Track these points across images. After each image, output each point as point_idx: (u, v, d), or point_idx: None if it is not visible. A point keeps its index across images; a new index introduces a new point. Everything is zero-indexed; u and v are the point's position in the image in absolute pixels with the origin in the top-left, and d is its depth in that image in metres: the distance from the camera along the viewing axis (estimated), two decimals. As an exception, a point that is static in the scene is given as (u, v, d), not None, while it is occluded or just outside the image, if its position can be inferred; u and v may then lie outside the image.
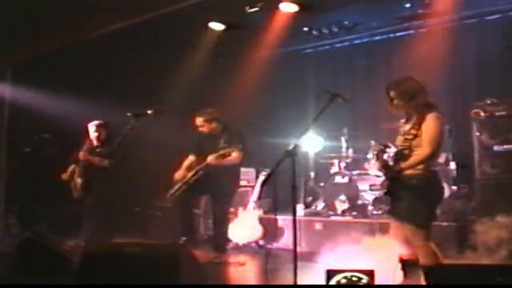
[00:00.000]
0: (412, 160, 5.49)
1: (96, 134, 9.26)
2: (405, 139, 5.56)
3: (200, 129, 8.87)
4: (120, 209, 9.80)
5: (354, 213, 9.36)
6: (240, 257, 8.63)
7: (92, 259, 5.99)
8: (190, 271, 5.77)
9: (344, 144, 10.31)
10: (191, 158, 9.02)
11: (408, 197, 5.53)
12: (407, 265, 5.68)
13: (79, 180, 9.05)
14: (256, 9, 10.40)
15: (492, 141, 7.96)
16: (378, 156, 5.71)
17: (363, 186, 9.80)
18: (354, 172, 9.97)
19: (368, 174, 9.95)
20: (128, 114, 7.96)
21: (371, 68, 11.44)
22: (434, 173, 5.72)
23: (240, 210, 9.74)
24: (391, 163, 5.56)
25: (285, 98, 12.46)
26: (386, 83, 5.89)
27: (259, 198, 9.71)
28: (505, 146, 8.04)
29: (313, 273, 6.01)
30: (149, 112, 7.92)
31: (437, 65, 10.23)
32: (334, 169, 10.24)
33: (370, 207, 9.36)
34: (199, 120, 8.83)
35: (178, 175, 8.78)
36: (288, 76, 12.56)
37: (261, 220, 9.44)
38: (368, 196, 9.66)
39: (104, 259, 5.92)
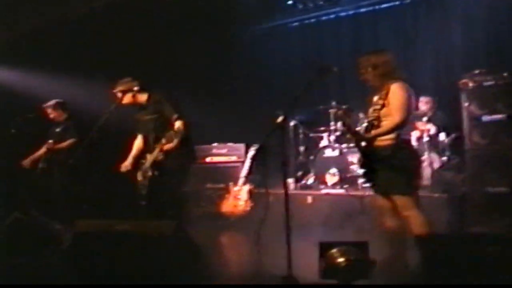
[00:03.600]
0: (383, 128, 5.52)
1: (54, 113, 9.34)
2: (374, 109, 5.61)
3: (120, 103, 7.56)
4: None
5: (345, 186, 9.37)
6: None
7: (83, 238, 5.99)
8: (181, 248, 5.77)
9: (333, 117, 10.27)
10: (138, 137, 7.91)
11: (385, 168, 5.54)
12: (394, 235, 5.76)
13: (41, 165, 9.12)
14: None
15: (480, 111, 7.95)
16: (342, 120, 5.72)
17: (353, 159, 9.80)
18: (344, 145, 9.96)
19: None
20: (115, 90, 7.79)
21: (358, 41, 11.37)
22: (407, 142, 5.86)
23: (231, 185, 9.72)
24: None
25: (272, 72, 12.37)
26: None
27: (249, 173, 9.71)
28: (493, 116, 8.04)
29: (306, 246, 5.99)
30: (135, 88, 7.70)
31: (424, 37, 10.26)
32: (324, 143, 10.24)
33: (360, 180, 9.37)
34: (118, 95, 7.58)
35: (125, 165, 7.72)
36: (275, 50, 12.46)
37: (251, 195, 9.45)
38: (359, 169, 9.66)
39: (95, 237, 5.93)
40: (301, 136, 10.77)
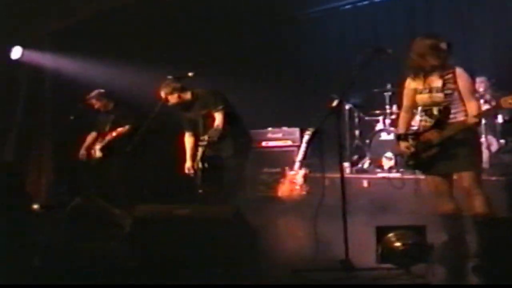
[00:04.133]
0: (476, 113, 5.49)
1: (99, 103, 9.44)
2: (445, 95, 5.56)
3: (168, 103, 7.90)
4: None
5: (401, 169, 9.29)
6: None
7: (143, 223, 6.09)
8: (240, 232, 5.81)
9: (388, 100, 10.19)
10: (187, 135, 8.18)
11: (465, 147, 5.54)
12: (451, 218, 5.71)
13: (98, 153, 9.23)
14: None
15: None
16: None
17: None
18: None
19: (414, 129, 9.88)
20: (169, 77, 7.87)
21: (412, 23, 11.23)
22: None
23: (287, 169, 9.74)
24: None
25: (326, 55, 12.32)
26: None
27: (305, 157, 9.71)
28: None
29: (363, 230, 5.98)
30: (190, 74, 7.76)
31: (480, 17, 10.10)
32: (379, 126, 10.18)
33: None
34: (167, 98, 7.83)
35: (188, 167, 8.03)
36: (328, 33, 12.41)
37: (307, 179, 9.45)
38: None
39: (155, 222, 6.03)
40: (356, 119, 10.72)
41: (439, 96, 5.64)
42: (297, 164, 9.70)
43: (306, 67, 12.29)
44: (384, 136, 9.82)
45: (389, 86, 10.13)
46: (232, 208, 6.01)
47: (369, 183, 9.25)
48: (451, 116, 5.56)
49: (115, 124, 9.25)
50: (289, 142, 10.50)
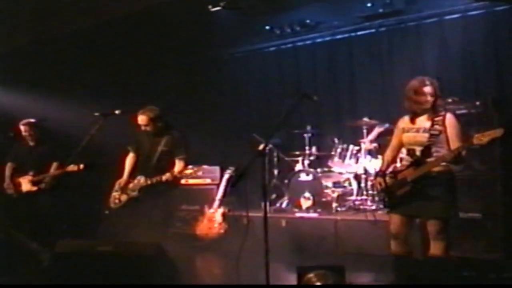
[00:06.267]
0: (456, 154, 5.58)
1: (30, 132, 9.11)
2: (431, 135, 5.75)
3: (143, 128, 8.16)
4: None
5: (319, 209, 9.46)
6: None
7: (64, 258, 6.02)
8: (162, 268, 5.82)
9: (307, 141, 10.40)
10: (131, 155, 8.49)
11: (439, 191, 5.70)
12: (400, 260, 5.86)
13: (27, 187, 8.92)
14: (218, 8, 10.53)
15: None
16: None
17: (327, 183, 9.92)
18: (318, 170, 10.07)
19: (332, 171, 10.10)
20: (96, 114, 7.96)
21: (333, 66, 11.51)
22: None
23: (206, 208, 9.77)
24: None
25: (247, 95, 12.51)
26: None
27: (224, 196, 9.76)
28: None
29: (283, 269, 6.07)
30: (117, 112, 7.90)
31: (398, 64, 10.41)
32: (298, 167, 10.35)
33: (334, 204, 9.47)
34: (142, 119, 8.10)
35: (121, 182, 8.28)
36: (250, 74, 12.60)
37: (226, 217, 9.50)
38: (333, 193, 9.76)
39: (76, 257, 5.96)
40: (275, 159, 10.85)
41: (424, 136, 5.82)
42: (216, 203, 9.73)
43: (227, 105, 12.46)
44: (303, 176, 9.94)
45: (309, 127, 10.34)
46: (154, 245, 6.01)
47: (287, 223, 9.35)
48: (434, 156, 5.73)
49: (42, 159, 8.98)
50: (208, 180, 10.54)
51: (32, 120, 9.22)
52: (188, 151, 8.23)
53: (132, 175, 8.24)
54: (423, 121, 5.91)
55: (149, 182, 7.85)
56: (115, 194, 8.19)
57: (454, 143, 5.67)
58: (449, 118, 5.80)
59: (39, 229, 8.42)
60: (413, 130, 5.97)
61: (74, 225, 8.85)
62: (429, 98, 5.86)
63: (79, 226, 8.96)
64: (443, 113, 5.84)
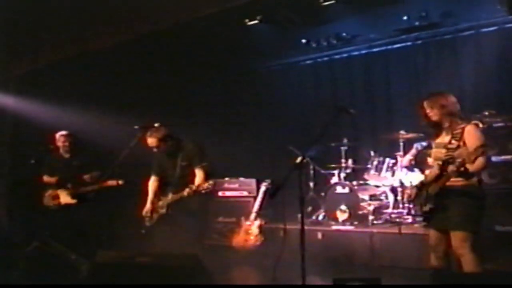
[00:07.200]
0: (475, 166, 5.56)
1: (66, 144, 9.23)
2: (448, 149, 5.75)
3: (155, 149, 8.15)
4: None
5: (355, 222, 9.47)
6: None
7: (102, 269, 6.12)
8: (199, 280, 5.88)
9: (344, 154, 10.44)
10: (153, 179, 8.46)
11: (460, 204, 5.68)
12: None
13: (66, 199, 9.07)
14: (255, 21, 10.63)
15: (490, 151, 8.07)
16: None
17: (363, 196, 9.91)
18: (355, 182, 10.09)
19: (368, 184, 10.10)
20: (136, 127, 8.07)
21: (369, 80, 11.58)
22: (480, 181, 5.85)
23: (242, 220, 9.82)
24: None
25: (283, 108, 12.57)
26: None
27: (261, 208, 9.81)
28: (502, 157, 8.18)
29: (319, 281, 6.10)
30: (156, 125, 8.00)
31: (434, 77, 10.39)
32: (334, 179, 10.38)
33: (370, 217, 9.47)
34: (152, 141, 8.07)
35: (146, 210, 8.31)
36: (287, 88, 12.68)
37: (262, 230, 9.55)
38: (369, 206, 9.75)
39: (114, 268, 6.06)
40: (311, 172, 10.89)
41: (441, 151, 5.85)
42: (253, 215, 9.77)
43: (264, 119, 12.57)
44: (339, 189, 9.94)
45: (345, 140, 10.36)
46: (192, 256, 6.09)
47: (323, 235, 9.36)
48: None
49: (80, 171, 9.12)
50: (245, 193, 10.59)
51: (68, 132, 9.36)
52: (206, 158, 8.22)
53: (156, 197, 8.30)
54: (444, 137, 5.93)
55: (174, 198, 7.94)
56: (146, 214, 8.30)
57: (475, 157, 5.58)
58: (468, 130, 5.73)
59: (77, 240, 8.57)
60: (436, 145, 6.02)
61: (112, 236, 8.98)
62: (429, 112, 5.92)
63: (118, 237, 9.09)
64: (462, 126, 5.78)
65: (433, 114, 5.93)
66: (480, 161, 5.49)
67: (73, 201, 8.99)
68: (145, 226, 8.23)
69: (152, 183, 8.43)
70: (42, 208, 9.24)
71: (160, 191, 8.32)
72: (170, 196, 8.03)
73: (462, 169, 5.53)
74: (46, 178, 9.34)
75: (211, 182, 7.82)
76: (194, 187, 7.79)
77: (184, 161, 8.12)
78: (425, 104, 5.97)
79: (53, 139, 9.33)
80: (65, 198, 9.04)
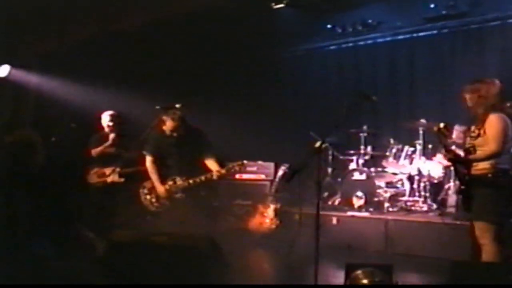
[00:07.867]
0: (478, 154, 5.65)
1: (111, 123, 9.07)
2: (470, 137, 5.78)
3: (169, 132, 8.00)
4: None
5: (370, 209, 9.45)
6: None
7: (117, 247, 6.15)
8: (214, 261, 5.90)
9: (363, 141, 10.41)
10: (151, 159, 8.21)
11: (479, 195, 5.67)
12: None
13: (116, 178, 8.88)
14: (281, 5, 10.57)
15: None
16: (441, 135, 5.87)
17: (380, 183, 9.87)
18: (372, 169, 10.06)
19: (385, 171, 10.07)
20: (157, 107, 7.99)
21: (394, 67, 11.50)
22: (505, 171, 5.78)
23: (259, 203, 9.81)
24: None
25: (306, 93, 12.54)
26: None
27: (277, 192, 9.79)
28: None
29: (332, 266, 6.09)
30: (177, 106, 7.87)
31: (459, 66, 10.31)
32: (353, 166, 10.36)
33: (386, 204, 9.44)
34: (173, 125, 7.92)
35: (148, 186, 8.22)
36: (310, 73, 12.65)
37: (278, 213, 9.55)
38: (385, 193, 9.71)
39: (129, 247, 6.09)
40: (330, 157, 10.88)
41: (467, 140, 5.88)
42: (269, 198, 9.76)
43: (286, 103, 12.53)
44: (356, 175, 9.94)
45: (365, 127, 10.32)
46: (207, 238, 6.09)
47: (338, 221, 9.35)
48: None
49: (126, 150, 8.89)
50: (262, 176, 10.57)
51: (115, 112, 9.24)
52: (212, 147, 8.11)
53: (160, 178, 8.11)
54: (473, 126, 5.89)
55: (191, 182, 7.77)
56: (148, 197, 8.15)
57: (489, 145, 5.60)
58: (490, 119, 5.67)
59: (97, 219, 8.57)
60: (468, 133, 5.97)
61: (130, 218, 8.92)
62: (467, 97, 5.90)
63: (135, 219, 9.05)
64: (488, 115, 5.71)
65: (469, 100, 5.90)
66: (483, 151, 5.59)
67: (121, 180, 8.86)
68: (156, 210, 8.11)
69: (152, 165, 8.18)
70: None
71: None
72: (180, 181, 7.86)
73: (471, 157, 5.60)
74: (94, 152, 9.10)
75: (243, 161, 7.84)
76: (223, 170, 7.73)
77: (190, 146, 7.95)
78: (465, 89, 5.94)
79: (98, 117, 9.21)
80: (114, 176, 8.88)
